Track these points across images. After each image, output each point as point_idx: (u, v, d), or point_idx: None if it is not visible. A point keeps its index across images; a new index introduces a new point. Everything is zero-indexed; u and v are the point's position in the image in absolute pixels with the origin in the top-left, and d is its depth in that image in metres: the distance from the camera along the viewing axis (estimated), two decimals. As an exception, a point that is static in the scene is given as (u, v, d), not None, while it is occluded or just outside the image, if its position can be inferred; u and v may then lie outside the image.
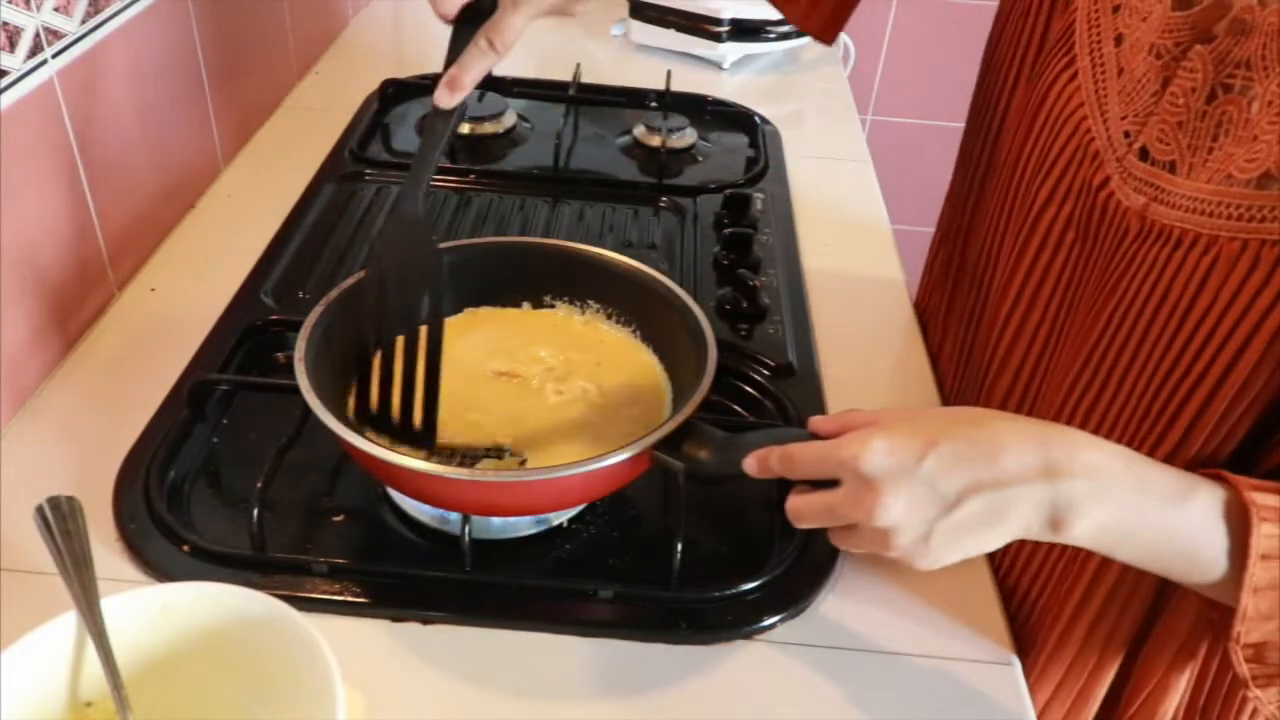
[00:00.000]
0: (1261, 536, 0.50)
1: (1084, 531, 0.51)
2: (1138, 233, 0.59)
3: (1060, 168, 0.66)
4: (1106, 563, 0.62)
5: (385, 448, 0.62)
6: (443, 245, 0.80)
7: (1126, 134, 0.61)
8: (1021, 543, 0.69)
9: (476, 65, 0.65)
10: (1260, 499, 0.51)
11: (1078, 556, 0.64)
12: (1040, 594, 0.68)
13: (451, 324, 0.78)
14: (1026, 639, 0.68)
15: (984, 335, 0.78)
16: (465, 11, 0.66)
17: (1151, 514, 0.52)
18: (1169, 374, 0.57)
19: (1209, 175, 0.55)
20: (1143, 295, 0.58)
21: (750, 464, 0.59)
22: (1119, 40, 0.63)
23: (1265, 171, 0.52)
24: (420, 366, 0.67)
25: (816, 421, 0.59)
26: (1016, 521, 0.52)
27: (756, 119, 1.24)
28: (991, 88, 0.79)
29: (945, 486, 0.51)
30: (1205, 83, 0.56)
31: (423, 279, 0.67)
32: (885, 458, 0.52)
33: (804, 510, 0.57)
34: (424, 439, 0.67)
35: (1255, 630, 0.51)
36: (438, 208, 1.04)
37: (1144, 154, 0.59)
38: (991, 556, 0.72)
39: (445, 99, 0.66)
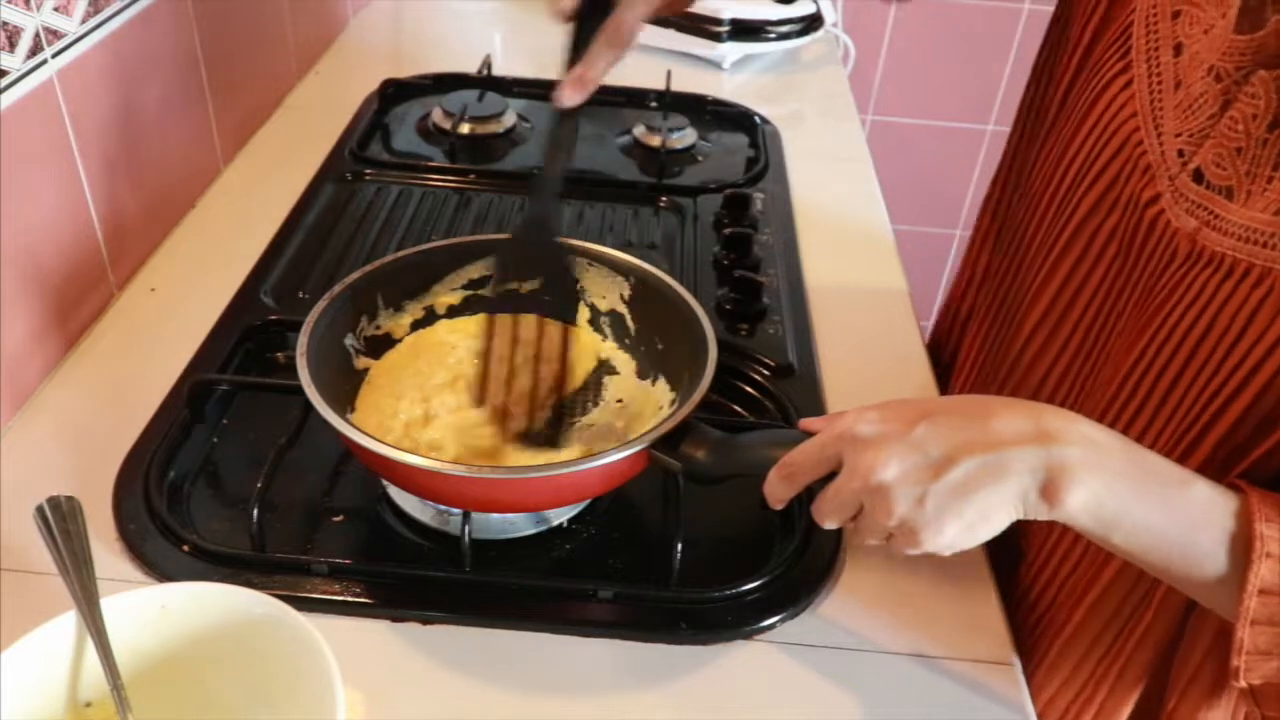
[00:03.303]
0: (1262, 570, 0.49)
1: (1079, 502, 0.50)
2: (1187, 256, 0.57)
3: (1108, 179, 0.64)
4: (1119, 582, 0.62)
5: (389, 445, 0.62)
6: (445, 243, 0.81)
7: (1180, 153, 0.59)
8: (1034, 550, 0.69)
9: (601, 61, 0.65)
10: (1267, 530, 0.49)
11: (1091, 565, 0.64)
12: (1050, 606, 0.67)
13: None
14: (1031, 651, 0.68)
15: (1005, 347, 0.76)
16: (582, 8, 0.65)
17: (1149, 491, 0.51)
18: (1210, 403, 0.55)
19: (1266, 205, 0.54)
20: (1188, 321, 0.56)
21: (773, 501, 0.59)
22: (1178, 50, 0.61)
23: None
24: (546, 367, 0.71)
25: (807, 421, 0.59)
26: (1011, 486, 0.50)
27: (756, 119, 1.24)
28: (1040, 87, 0.78)
29: (936, 448, 0.51)
30: (1268, 110, 0.54)
31: (550, 283, 0.71)
32: (878, 424, 0.53)
33: (821, 505, 0.56)
34: (550, 441, 0.70)
35: (1256, 669, 0.50)
36: (438, 207, 1.04)
37: (1198, 176, 0.58)
38: (1002, 564, 0.72)
39: (571, 98, 0.66)
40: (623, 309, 0.79)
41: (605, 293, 0.79)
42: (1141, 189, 0.61)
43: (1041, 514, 0.51)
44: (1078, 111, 0.69)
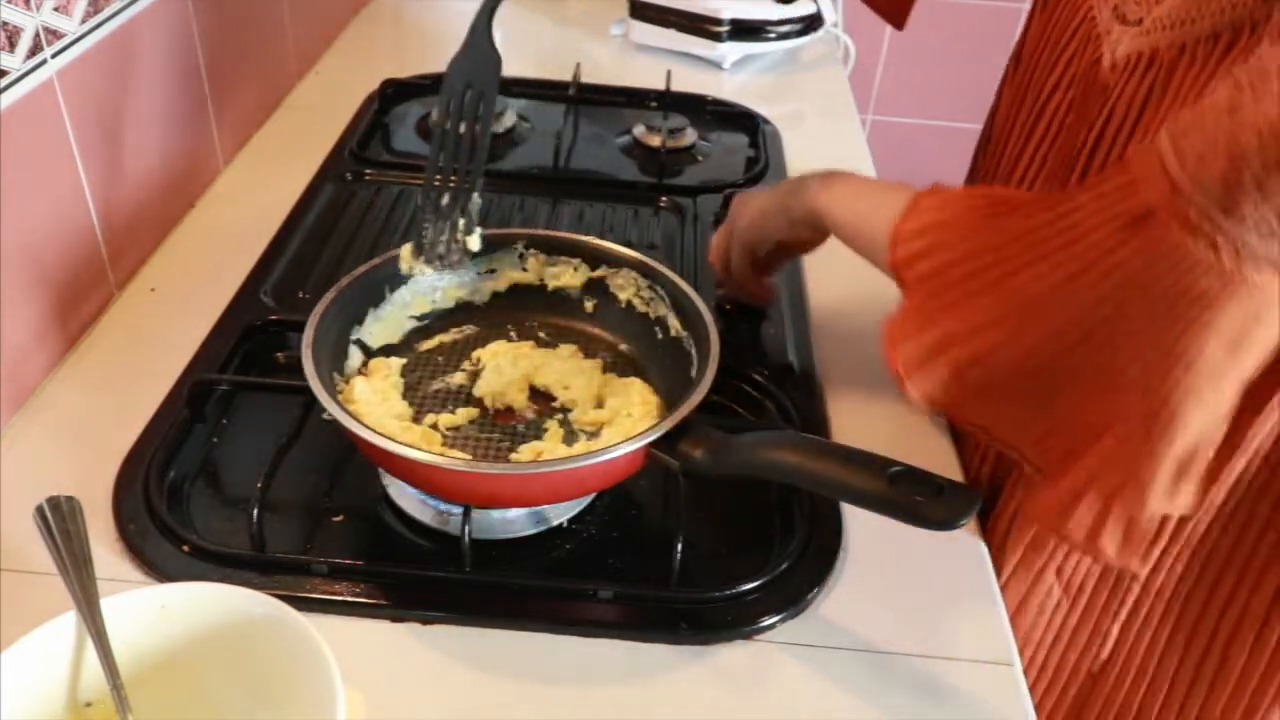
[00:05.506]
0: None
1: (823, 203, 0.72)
2: (1104, 85, 0.64)
3: (1069, 55, 0.71)
4: None
5: (388, 437, 0.62)
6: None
7: (1115, 8, 0.66)
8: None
9: None
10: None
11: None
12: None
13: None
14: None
15: None
16: None
17: (866, 197, 0.71)
18: None
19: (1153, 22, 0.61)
20: (1097, 127, 0.64)
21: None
22: None
23: None
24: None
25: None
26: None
27: (756, 119, 1.24)
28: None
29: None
30: None
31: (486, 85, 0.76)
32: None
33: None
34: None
35: (903, 247, 0.63)
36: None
37: (1121, 17, 0.65)
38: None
39: None
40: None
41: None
42: (1093, 57, 0.67)
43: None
44: (1040, 13, 0.77)
